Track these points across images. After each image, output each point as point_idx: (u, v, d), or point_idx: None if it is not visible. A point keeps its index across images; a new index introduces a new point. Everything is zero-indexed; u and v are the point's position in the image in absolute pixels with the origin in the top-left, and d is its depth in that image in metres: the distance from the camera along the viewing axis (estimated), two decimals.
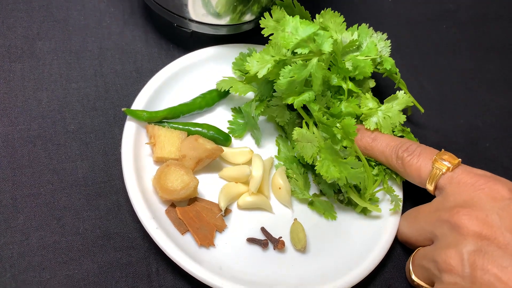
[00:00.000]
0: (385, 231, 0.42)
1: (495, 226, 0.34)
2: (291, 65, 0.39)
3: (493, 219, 0.34)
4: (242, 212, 0.44)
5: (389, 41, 0.47)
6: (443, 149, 0.40)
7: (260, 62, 0.41)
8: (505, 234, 0.34)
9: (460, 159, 0.39)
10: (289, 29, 0.40)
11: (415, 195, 0.45)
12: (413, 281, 0.40)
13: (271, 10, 0.44)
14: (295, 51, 0.40)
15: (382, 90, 0.52)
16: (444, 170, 0.38)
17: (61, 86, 0.48)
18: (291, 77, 0.40)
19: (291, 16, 0.40)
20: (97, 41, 0.51)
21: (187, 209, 0.42)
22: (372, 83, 0.47)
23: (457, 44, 0.60)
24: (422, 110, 0.49)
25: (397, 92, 0.45)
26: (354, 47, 0.45)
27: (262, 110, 0.45)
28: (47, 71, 0.48)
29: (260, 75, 0.41)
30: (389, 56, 0.46)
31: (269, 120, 0.49)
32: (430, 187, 0.39)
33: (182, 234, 0.41)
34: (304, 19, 0.40)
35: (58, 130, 0.45)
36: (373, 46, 0.45)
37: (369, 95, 0.45)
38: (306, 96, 0.41)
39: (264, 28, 0.43)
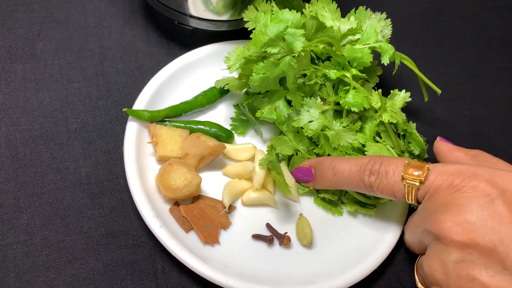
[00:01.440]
0: (393, 224, 0.42)
1: (475, 231, 0.31)
2: (263, 62, 0.39)
3: (474, 223, 0.31)
4: (246, 208, 0.44)
5: (389, 20, 0.45)
6: (406, 161, 0.36)
7: (239, 56, 0.41)
8: (487, 238, 0.30)
9: (428, 165, 0.35)
10: (260, 26, 0.39)
11: None
12: None
13: (255, 2, 0.43)
14: (265, 50, 0.39)
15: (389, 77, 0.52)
16: (417, 184, 0.35)
17: (63, 86, 0.48)
18: (263, 73, 0.39)
19: (263, 13, 0.39)
20: (98, 41, 0.51)
21: (191, 207, 0.42)
22: (378, 71, 0.46)
23: (459, 35, 0.59)
24: (426, 98, 0.48)
25: (396, 90, 0.44)
26: (354, 36, 0.44)
27: (250, 101, 0.44)
28: (48, 72, 0.48)
29: (231, 71, 0.42)
30: (392, 31, 0.45)
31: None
32: (412, 203, 0.36)
33: (187, 232, 0.41)
34: (280, 13, 0.39)
35: (60, 129, 0.45)
36: (372, 32, 0.43)
37: (376, 93, 0.43)
38: (274, 115, 0.42)
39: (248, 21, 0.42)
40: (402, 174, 0.35)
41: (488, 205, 0.31)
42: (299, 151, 0.43)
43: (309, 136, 0.42)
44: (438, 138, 0.41)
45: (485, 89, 0.56)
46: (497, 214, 0.31)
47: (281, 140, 0.43)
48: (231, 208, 0.43)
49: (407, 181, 0.35)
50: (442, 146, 0.40)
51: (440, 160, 0.41)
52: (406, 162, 0.36)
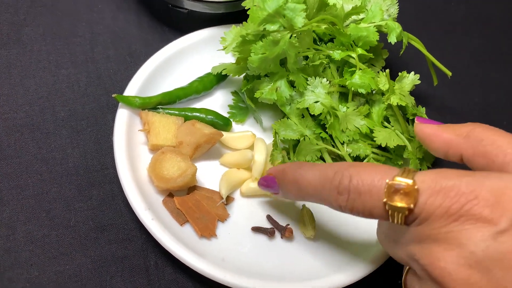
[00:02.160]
0: None
1: (482, 281, 0.24)
2: (262, 41, 0.36)
3: (479, 267, 0.24)
4: (245, 199, 0.41)
5: None
6: (387, 179, 0.27)
7: (236, 36, 0.38)
8: (500, 283, 0.24)
9: (416, 186, 0.26)
10: (257, 2, 0.36)
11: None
12: None
13: None
14: (264, 27, 0.36)
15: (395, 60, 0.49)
16: (406, 213, 0.27)
17: (50, 72, 0.45)
18: (262, 53, 0.37)
19: None
20: (88, 26, 0.49)
21: (186, 199, 0.39)
22: (385, 53, 0.44)
23: (467, 21, 0.57)
24: (436, 82, 0.45)
25: (404, 72, 0.42)
26: (359, 15, 0.41)
27: (249, 86, 0.41)
28: (34, 58, 0.46)
29: (227, 52, 0.39)
30: (398, 18, 0.42)
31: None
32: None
33: (181, 225, 0.38)
34: None
35: (47, 117, 0.43)
36: (378, 10, 0.41)
37: (383, 74, 0.40)
38: (274, 95, 0.39)
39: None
40: (384, 200, 0.27)
41: (493, 242, 0.24)
42: (307, 136, 0.40)
43: (316, 115, 0.39)
44: (416, 120, 0.34)
45: (495, 76, 0.53)
46: (506, 257, 0.24)
47: (285, 123, 0.40)
48: (229, 199, 0.40)
49: (391, 208, 0.27)
50: (424, 129, 0.33)
51: (427, 147, 0.34)
52: (387, 182, 0.27)
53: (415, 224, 0.27)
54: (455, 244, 0.25)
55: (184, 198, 0.39)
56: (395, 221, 0.28)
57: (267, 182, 0.35)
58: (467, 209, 0.25)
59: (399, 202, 0.26)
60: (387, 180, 0.27)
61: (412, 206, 0.26)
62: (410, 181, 0.27)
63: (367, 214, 0.28)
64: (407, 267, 0.30)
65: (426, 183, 0.26)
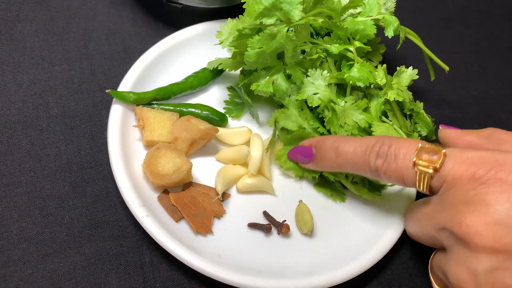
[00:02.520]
0: (401, 210, 0.39)
1: (509, 234, 0.27)
2: (259, 35, 0.36)
3: (506, 225, 0.27)
4: (241, 196, 0.40)
5: None
6: (419, 144, 0.32)
7: (232, 30, 0.38)
8: None
9: (443, 150, 0.31)
10: None
11: None
12: None
13: None
14: (261, 21, 0.36)
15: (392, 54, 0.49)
16: (431, 172, 0.30)
17: (43, 69, 0.45)
18: (259, 48, 0.36)
19: None
20: (82, 22, 0.48)
21: (181, 195, 0.39)
22: (382, 48, 0.43)
23: (465, 13, 0.57)
24: (433, 77, 0.45)
25: (402, 67, 0.41)
26: (356, 9, 0.41)
27: (246, 81, 0.41)
28: (28, 54, 0.45)
29: (223, 46, 0.39)
30: (395, 12, 0.42)
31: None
32: (423, 191, 0.32)
33: (177, 221, 0.38)
34: None
35: (40, 114, 0.42)
36: (375, 4, 0.40)
37: (381, 68, 0.40)
38: (270, 88, 0.38)
39: None
40: (414, 159, 0.31)
41: None
42: (305, 128, 0.39)
43: (314, 106, 0.39)
44: (440, 127, 0.37)
45: (494, 69, 0.53)
46: None
47: (285, 113, 0.39)
48: (225, 195, 0.40)
49: (419, 167, 0.31)
50: (448, 133, 0.36)
51: None
52: (420, 145, 0.32)
53: (442, 192, 0.31)
54: (482, 204, 0.28)
55: (179, 194, 0.39)
56: (422, 186, 0.31)
57: (302, 149, 0.38)
58: (493, 173, 0.28)
59: (426, 162, 0.30)
60: (419, 145, 0.32)
61: (437, 166, 0.30)
62: (437, 147, 0.31)
63: (399, 175, 0.32)
64: (433, 253, 0.33)
65: (454, 152, 0.31)
